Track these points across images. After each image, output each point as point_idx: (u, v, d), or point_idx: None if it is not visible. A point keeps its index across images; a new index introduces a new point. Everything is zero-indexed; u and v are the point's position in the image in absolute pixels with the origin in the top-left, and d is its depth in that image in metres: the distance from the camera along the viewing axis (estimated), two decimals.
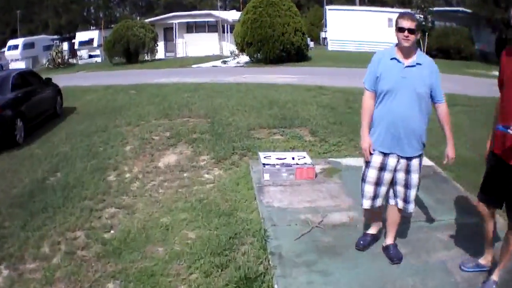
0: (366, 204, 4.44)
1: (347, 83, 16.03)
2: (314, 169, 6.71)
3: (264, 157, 7.02)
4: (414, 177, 4.32)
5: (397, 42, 4.28)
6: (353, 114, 10.98)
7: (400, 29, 4.24)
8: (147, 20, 38.87)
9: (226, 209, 5.96)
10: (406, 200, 4.41)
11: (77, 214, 6.25)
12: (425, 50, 30.46)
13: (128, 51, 32.39)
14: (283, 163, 6.75)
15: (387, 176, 4.32)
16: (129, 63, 32.22)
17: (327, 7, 39.90)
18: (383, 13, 37.19)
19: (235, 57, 29.43)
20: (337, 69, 22.60)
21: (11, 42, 42.98)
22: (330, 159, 7.67)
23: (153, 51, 34.10)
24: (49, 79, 14.06)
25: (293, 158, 6.96)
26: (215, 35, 36.69)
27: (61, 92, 14.78)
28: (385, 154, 4.27)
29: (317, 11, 48.92)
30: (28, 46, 42.91)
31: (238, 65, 26.81)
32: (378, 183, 4.35)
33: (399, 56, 4.26)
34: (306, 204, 5.85)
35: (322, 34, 43.73)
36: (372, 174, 4.34)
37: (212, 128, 10.05)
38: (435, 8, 32.67)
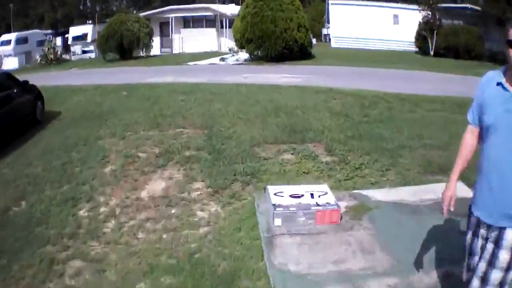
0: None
1: (357, 84, 14.75)
2: (339, 211, 5.19)
3: (275, 194, 5.46)
4: (503, 256, 2.88)
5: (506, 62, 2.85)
6: (372, 125, 9.65)
7: (511, 43, 2.71)
8: (142, 14, 37.24)
9: (224, 271, 4.51)
10: (484, 282, 2.96)
11: (35, 267, 4.93)
12: (433, 49, 29.43)
13: (122, 46, 30.83)
14: (299, 204, 5.22)
15: (479, 243, 3.07)
16: (123, 60, 30.68)
17: (330, 1, 38.00)
18: (389, 9, 35.56)
19: (234, 54, 27.88)
20: (343, 68, 21.07)
21: (3, 37, 41.35)
22: (355, 191, 6.15)
23: (148, 47, 32.51)
24: (26, 82, 12.62)
25: (311, 195, 5.41)
26: (213, 31, 35.13)
27: (42, 95, 13.38)
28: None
29: (319, 5, 47.10)
30: (21, 41, 41.37)
31: (237, 62, 25.24)
32: (470, 252, 3.15)
33: (506, 80, 2.84)
34: (332, 266, 4.37)
35: (324, 31, 42.04)
36: (468, 239, 3.19)
37: (209, 142, 8.64)
38: (442, 5, 31.09)
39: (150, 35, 32.39)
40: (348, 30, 35.23)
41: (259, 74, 18.68)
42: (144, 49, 32.35)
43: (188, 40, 35.56)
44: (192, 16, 35.91)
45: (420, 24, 30.61)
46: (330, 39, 38.37)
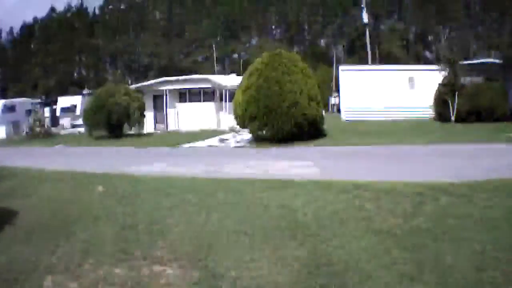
0: None
1: (385, 171, 12.09)
2: None
3: None
4: None
5: None
6: (429, 246, 6.95)
7: None
8: (134, 86, 34.57)
9: None
10: None
11: None
12: (454, 114, 26.34)
13: (110, 122, 28.23)
14: None
15: None
16: (112, 137, 28.11)
17: (341, 67, 34.94)
18: (404, 72, 32.84)
19: (235, 134, 24.42)
20: (362, 148, 17.84)
21: None
22: None
23: (139, 123, 29.74)
24: None
25: None
26: (211, 105, 31.78)
27: None
28: None
29: (326, 72, 44.24)
30: (8, 109, 39.61)
31: (239, 145, 21.68)
32: None
33: None
34: None
35: (332, 100, 38.99)
36: None
37: None
38: (462, 62, 28.51)
39: (141, 109, 29.80)
40: (360, 100, 32.15)
41: (266, 162, 15.40)
42: (135, 126, 29.70)
43: (184, 115, 32.40)
44: (189, 89, 32.71)
45: (439, 86, 27.83)
46: (339, 110, 35.23)
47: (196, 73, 41.41)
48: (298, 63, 20.99)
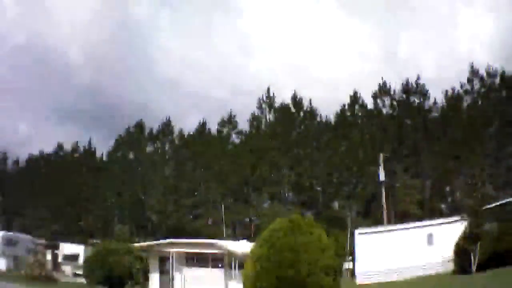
0: None
1: None
2: None
3: None
4: None
5: None
6: None
7: None
8: (138, 245, 33.20)
9: None
10: None
11: None
12: (476, 264, 25.09)
13: (111, 278, 27.34)
14: None
15: None
16: None
17: (357, 231, 33.72)
18: (422, 229, 31.76)
19: None
20: None
21: None
22: None
23: (143, 285, 29.12)
24: None
25: None
26: (220, 272, 29.62)
27: None
28: None
29: (338, 236, 42.28)
30: (9, 242, 38.93)
31: None
32: None
33: None
34: None
35: (345, 265, 37.17)
36: None
37: None
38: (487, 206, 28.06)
39: (145, 271, 29.39)
40: (377, 262, 30.79)
41: None
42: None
43: (190, 281, 30.19)
44: (196, 253, 30.84)
45: (460, 237, 26.96)
46: (354, 274, 33.47)
47: (205, 236, 39.74)
48: (315, 229, 19.41)
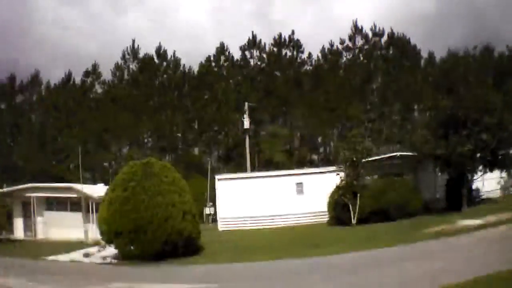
0: None
1: None
2: None
3: None
4: None
5: None
6: None
7: None
8: (1, 190, 31.84)
9: None
10: None
11: None
12: (355, 217, 25.48)
13: None
14: None
15: None
16: None
17: (217, 176, 33.29)
18: (291, 177, 31.50)
19: (100, 249, 21.81)
20: (245, 267, 16.00)
21: None
22: None
23: (5, 228, 28.28)
24: None
25: None
26: (78, 215, 28.79)
27: None
28: None
29: (200, 182, 42.46)
30: None
31: (104, 261, 19.06)
32: None
33: None
34: None
35: (206, 210, 37.26)
36: None
37: None
38: (366, 159, 27.41)
39: (7, 215, 28.76)
40: (240, 208, 30.30)
41: (132, 284, 13.29)
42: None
43: (52, 225, 29.49)
44: (56, 197, 30.12)
45: (337, 188, 26.93)
46: (215, 220, 33.15)
47: (67, 181, 38.42)
48: (170, 173, 19.28)
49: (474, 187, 30.01)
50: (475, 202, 28.29)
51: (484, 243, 15.57)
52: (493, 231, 17.76)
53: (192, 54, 72.44)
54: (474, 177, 28.27)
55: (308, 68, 60.28)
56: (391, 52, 59.48)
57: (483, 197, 30.95)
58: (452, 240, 16.99)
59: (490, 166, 27.61)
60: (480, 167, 27.80)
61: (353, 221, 25.49)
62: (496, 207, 24.86)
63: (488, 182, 31.22)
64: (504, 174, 31.57)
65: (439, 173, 29.01)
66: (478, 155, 26.71)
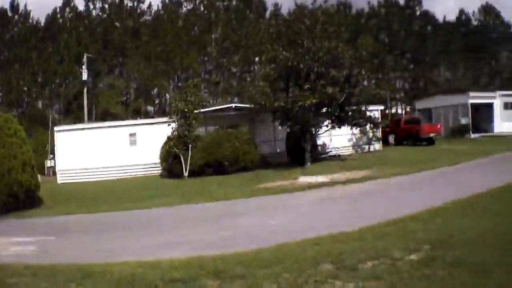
0: None
1: (118, 251, 10.48)
2: None
3: None
4: None
5: None
6: None
7: None
8: None
9: None
10: None
11: None
12: (187, 168, 25.52)
13: None
14: None
15: None
16: None
17: (56, 128, 32.39)
18: (125, 128, 31.46)
19: None
20: (85, 217, 16.48)
21: None
22: None
23: None
24: None
25: None
26: None
27: None
28: None
29: (42, 135, 41.18)
30: None
31: None
32: None
33: None
34: None
35: (47, 163, 36.34)
36: None
37: None
38: (200, 110, 27.33)
39: None
40: (78, 160, 29.94)
41: None
42: None
43: None
44: None
45: (168, 140, 26.68)
46: (55, 173, 32.30)
47: None
48: (13, 125, 19.05)
49: (320, 142, 30.55)
50: (320, 159, 28.61)
51: (318, 204, 15.49)
52: (331, 190, 17.87)
53: (43, 5, 68.88)
54: (319, 132, 28.27)
55: (147, 18, 59.83)
56: (234, 3, 60.70)
57: (332, 153, 31.61)
58: (285, 197, 17.15)
59: (339, 122, 27.69)
60: (327, 122, 27.86)
61: (185, 174, 25.50)
62: (342, 165, 25.51)
63: (338, 139, 32.18)
64: (356, 131, 32.20)
65: (279, 126, 29.25)
66: (325, 109, 26.59)
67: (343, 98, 25.89)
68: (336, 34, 28.98)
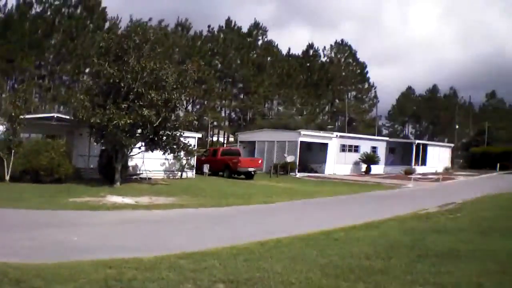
0: None
1: None
2: None
3: None
4: None
5: None
6: None
7: None
8: None
9: None
10: None
11: None
12: (9, 172, 25.15)
13: None
14: None
15: None
16: None
17: None
18: None
19: None
20: None
21: None
22: None
23: None
24: None
25: None
26: None
27: None
28: None
29: None
30: None
31: None
32: None
33: None
34: None
35: None
36: None
37: None
38: (26, 116, 27.05)
39: None
40: None
41: None
42: None
43: None
44: None
45: None
46: None
47: None
48: None
49: (132, 163, 30.45)
50: (130, 180, 28.63)
51: (119, 225, 15.26)
52: (134, 213, 17.78)
53: None
54: (132, 153, 27.82)
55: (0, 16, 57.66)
56: (79, 11, 59.93)
57: (143, 176, 31.47)
58: (90, 214, 16.76)
59: (152, 145, 27.53)
60: (140, 144, 27.55)
61: (7, 178, 25.13)
62: (150, 189, 25.69)
63: (150, 162, 32.07)
64: (170, 156, 31.31)
65: (95, 143, 28.75)
66: (139, 131, 26.45)
67: (158, 122, 26.00)
68: (164, 55, 29.15)
